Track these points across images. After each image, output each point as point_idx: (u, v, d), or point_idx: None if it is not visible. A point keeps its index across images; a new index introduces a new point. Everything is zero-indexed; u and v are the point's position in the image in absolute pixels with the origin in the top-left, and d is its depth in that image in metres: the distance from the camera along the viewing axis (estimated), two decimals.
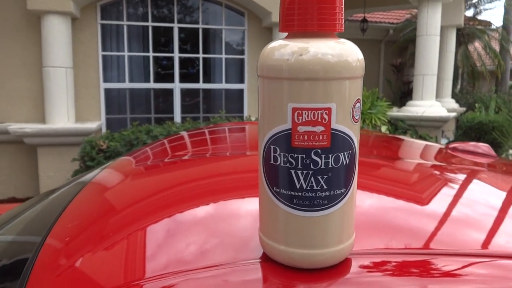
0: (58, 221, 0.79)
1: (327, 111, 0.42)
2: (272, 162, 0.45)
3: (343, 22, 0.44)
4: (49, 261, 0.64)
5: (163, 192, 0.84)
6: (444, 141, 6.55)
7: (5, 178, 4.76)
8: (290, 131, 0.43)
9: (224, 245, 0.54)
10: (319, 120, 0.42)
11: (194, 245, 0.56)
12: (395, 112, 6.17)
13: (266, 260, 0.49)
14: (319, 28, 0.43)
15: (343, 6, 0.44)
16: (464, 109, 7.99)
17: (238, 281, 0.48)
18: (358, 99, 0.44)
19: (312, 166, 0.43)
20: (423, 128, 5.82)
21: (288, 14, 0.44)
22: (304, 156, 0.43)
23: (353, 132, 0.44)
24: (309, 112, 0.42)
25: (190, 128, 4.19)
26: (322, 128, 0.42)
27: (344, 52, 0.43)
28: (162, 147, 1.42)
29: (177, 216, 0.67)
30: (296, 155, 0.43)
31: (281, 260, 0.47)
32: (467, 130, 5.79)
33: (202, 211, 0.69)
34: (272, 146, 0.44)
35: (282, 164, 0.44)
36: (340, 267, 0.48)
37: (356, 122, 0.44)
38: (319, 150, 0.43)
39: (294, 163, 0.43)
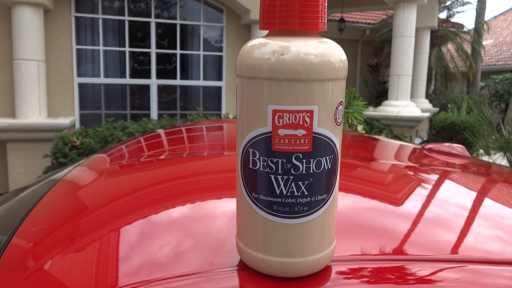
0: (26, 220, 0.76)
1: (309, 114, 0.40)
2: (251, 166, 0.43)
3: (325, 21, 0.42)
4: (15, 262, 0.60)
5: (137, 192, 0.81)
6: (418, 140, 6.68)
7: None
8: (270, 134, 0.41)
9: (200, 251, 0.52)
10: (301, 123, 0.40)
11: (169, 250, 0.54)
12: (371, 111, 6.25)
13: (243, 268, 0.47)
14: (301, 26, 0.41)
15: (326, 4, 0.42)
16: (437, 109, 8.18)
17: None
18: (341, 101, 0.43)
19: (293, 171, 0.41)
20: (398, 127, 5.92)
21: (269, 11, 0.42)
22: (284, 160, 0.41)
23: (336, 136, 0.42)
24: (291, 114, 0.40)
25: (167, 125, 4.13)
26: (303, 132, 0.40)
27: (327, 52, 0.41)
28: (138, 145, 1.38)
29: (151, 219, 0.65)
30: (276, 159, 0.41)
31: (259, 269, 0.45)
32: (440, 130, 5.92)
33: (177, 213, 0.67)
34: (251, 150, 0.42)
35: (261, 169, 0.42)
36: (320, 275, 0.46)
37: (338, 126, 0.43)
38: (300, 155, 0.41)
39: (274, 168, 0.41)
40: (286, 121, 0.40)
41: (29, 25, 4.27)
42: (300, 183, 0.41)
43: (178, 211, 0.67)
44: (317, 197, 0.42)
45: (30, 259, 0.61)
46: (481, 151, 5.60)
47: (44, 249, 0.63)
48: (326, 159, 0.42)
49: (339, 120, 0.43)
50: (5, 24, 4.46)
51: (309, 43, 0.41)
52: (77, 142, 3.78)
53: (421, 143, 6.44)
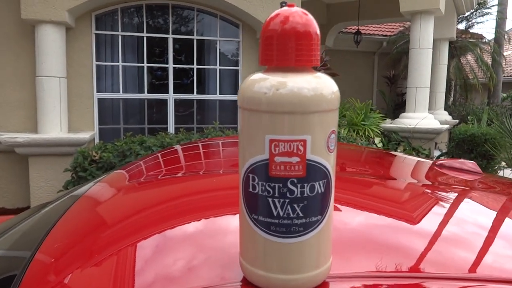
0: (48, 236, 0.80)
1: (302, 143, 0.44)
2: (251, 190, 0.47)
3: (318, 57, 0.46)
4: (38, 277, 0.64)
5: (152, 209, 0.85)
6: (437, 153, 6.60)
7: None
8: (267, 161, 0.45)
9: (209, 265, 0.56)
10: (295, 151, 0.44)
11: (180, 265, 0.57)
12: (388, 124, 6.22)
13: (246, 284, 0.51)
14: (296, 63, 0.45)
15: (319, 42, 0.46)
16: (457, 121, 8.07)
17: None
18: (333, 130, 0.46)
19: (288, 195, 0.45)
20: (417, 140, 5.87)
21: (267, 49, 0.46)
22: (281, 185, 0.45)
23: (328, 162, 0.46)
24: (285, 143, 0.44)
25: (184, 139, 4.20)
26: (297, 159, 0.44)
27: (319, 86, 0.45)
28: (155, 161, 1.43)
29: (165, 234, 0.68)
30: (273, 184, 0.45)
31: (260, 285, 0.49)
32: (460, 142, 5.84)
33: (189, 229, 0.70)
34: (251, 175, 0.46)
35: (260, 192, 0.46)
36: None
37: (331, 152, 0.46)
38: (295, 180, 0.44)
39: (271, 192, 0.45)
40: (281, 150, 0.44)
41: (51, 43, 4.42)
42: (295, 205, 0.45)
43: (190, 229, 0.70)
44: (312, 218, 0.46)
45: (51, 274, 0.66)
46: (503, 163, 5.50)
47: (64, 264, 0.67)
48: (319, 183, 0.45)
49: (331, 148, 0.46)
50: (28, 42, 4.62)
51: (304, 78, 0.45)
52: (96, 156, 3.87)
53: (440, 155, 6.36)
